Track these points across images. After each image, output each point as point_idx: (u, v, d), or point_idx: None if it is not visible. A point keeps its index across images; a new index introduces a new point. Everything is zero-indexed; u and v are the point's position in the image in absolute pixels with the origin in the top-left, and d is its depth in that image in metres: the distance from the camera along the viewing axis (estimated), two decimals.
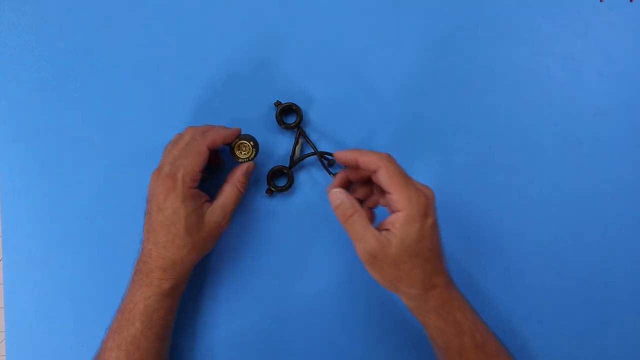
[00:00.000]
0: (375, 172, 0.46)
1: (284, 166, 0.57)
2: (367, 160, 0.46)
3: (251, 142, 0.52)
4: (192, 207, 0.47)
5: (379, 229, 0.46)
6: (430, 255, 0.46)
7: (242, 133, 0.53)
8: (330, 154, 0.57)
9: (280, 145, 0.58)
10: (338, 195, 0.47)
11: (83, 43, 0.58)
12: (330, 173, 0.56)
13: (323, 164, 0.57)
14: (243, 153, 0.52)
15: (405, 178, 0.45)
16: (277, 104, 0.57)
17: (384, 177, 0.45)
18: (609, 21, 0.58)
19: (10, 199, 0.57)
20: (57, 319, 0.58)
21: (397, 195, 0.44)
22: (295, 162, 0.57)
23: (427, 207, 0.45)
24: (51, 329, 0.58)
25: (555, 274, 0.58)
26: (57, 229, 0.58)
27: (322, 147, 0.58)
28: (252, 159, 0.53)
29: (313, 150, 0.57)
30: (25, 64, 0.57)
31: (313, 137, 0.58)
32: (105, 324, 0.57)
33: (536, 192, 0.58)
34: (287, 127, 0.57)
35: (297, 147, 0.57)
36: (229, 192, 0.50)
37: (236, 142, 0.52)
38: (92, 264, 0.58)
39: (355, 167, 0.48)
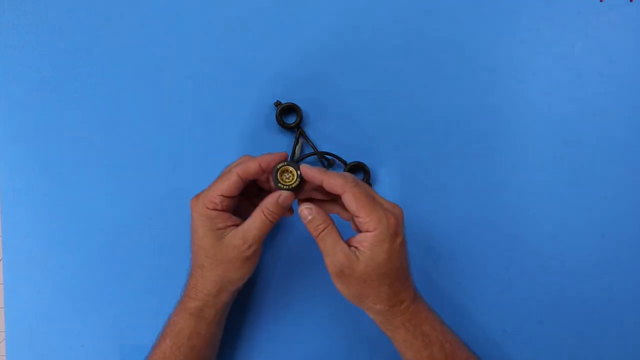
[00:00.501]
0: (341, 195, 0.45)
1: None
2: (332, 184, 0.45)
3: (298, 171, 0.47)
4: (208, 227, 0.47)
5: (348, 244, 0.46)
6: (398, 273, 0.47)
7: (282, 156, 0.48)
8: (331, 154, 0.57)
9: (280, 145, 0.58)
10: (310, 211, 0.46)
11: (83, 43, 0.58)
12: None
13: (323, 164, 0.57)
14: (285, 179, 0.47)
15: (371, 200, 0.45)
16: (277, 104, 0.57)
17: (350, 201, 0.45)
18: (609, 21, 0.58)
19: (10, 199, 0.57)
20: (57, 319, 0.58)
21: (366, 218, 0.44)
22: (296, 161, 0.57)
23: (397, 227, 0.45)
24: (51, 329, 0.58)
25: (555, 274, 0.58)
26: (57, 229, 0.58)
27: (322, 147, 0.58)
28: (292, 188, 0.47)
29: (313, 150, 0.57)
30: (25, 64, 0.57)
31: (313, 137, 0.58)
32: (106, 324, 0.58)
33: (536, 192, 0.58)
34: (287, 127, 0.57)
35: (297, 147, 0.57)
36: (253, 218, 0.47)
37: (282, 166, 0.47)
38: (92, 264, 0.58)
39: (319, 187, 0.47)
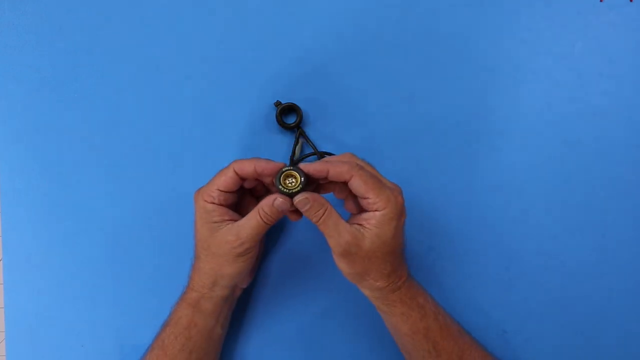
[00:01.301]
0: (347, 181, 0.46)
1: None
2: (338, 172, 0.45)
3: (302, 178, 0.46)
4: (205, 219, 0.48)
5: (350, 222, 0.47)
6: (399, 250, 0.48)
7: (287, 164, 0.48)
8: (331, 154, 0.57)
9: (280, 146, 0.58)
10: (306, 200, 0.46)
11: (83, 43, 0.58)
12: None
13: None
14: (288, 183, 0.47)
15: (378, 181, 0.46)
16: (277, 104, 0.57)
17: (359, 185, 0.45)
18: (609, 21, 0.58)
19: (10, 199, 0.57)
20: (57, 319, 0.58)
21: (375, 199, 0.45)
22: (296, 162, 0.57)
23: (403, 205, 0.47)
24: (51, 329, 0.58)
25: (555, 274, 0.58)
26: (57, 229, 0.58)
27: (322, 147, 0.58)
28: (292, 193, 0.46)
29: (313, 150, 0.57)
30: (25, 64, 0.57)
31: (313, 137, 0.58)
32: (106, 324, 0.58)
33: (536, 192, 0.58)
34: (287, 127, 0.57)
35: (297, 147, 0.57)
36: (249, 216, 0.47)
37: (287, 171, 0.46)
38: (92, 264, 0.58)
39: (324, 178, 0.47)
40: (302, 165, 0.46)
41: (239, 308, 0.57)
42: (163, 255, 0.58)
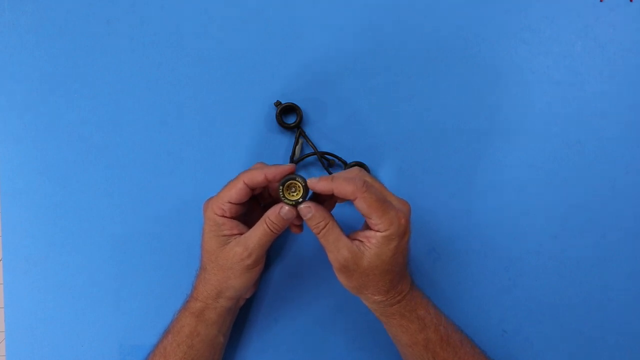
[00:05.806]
0: (352, 201, 0.46)
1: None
2: (343, 192, 0.45)
3: (304, 189, 0.46)
4: (214, 232, 0.48)
5: (352, 237, 0.47)
6: (399, 268, 0.48)
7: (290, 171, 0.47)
8: (331, 154, 0.57)
9: (280, 145, 0.58)
10: (309, 209, 0.46)
11: (83, 43, 0.58)
12: (330, 173, 0.56)
13: (323, 164, 0.57)
14: (291, 194, 0.47)
15: (383, 202, 0.45)
16: (277, 104, 0.57)
17: (362, 206, 0.45)
18: (609, 21, 0.58)
19: (10, 199, 0.57)
20: (57, 319, 0.58)
21: (377, 220, 0.45)
22: (296, 162, 0.57)
23: (407, 227, 0.46)
24: (51, 329, 0.58)
25: (555, 274, 0.58)
26: (57, 229, 0.58)
27: (322, 147, 0.58)
28: (296, 203, 0.46)
29: (313, 150, 0.57)
30: (25, 64, 0.57)
31: (313, 137, 0.58)
32: (106, 324, 0.58)
33: (536, 192, 0.58)
34: (287, 127, 0.57)
35: (297, 147, 0.57)
36: (256, 227, 0.48)
37: (288, 181, 0.46)
38: (92, 264, 0.58)
39: (330, 195, 0.47)
40: (308, 182, 0.46)
41: (240, 314, 0.57)
42: (163, 255, 0.58)
